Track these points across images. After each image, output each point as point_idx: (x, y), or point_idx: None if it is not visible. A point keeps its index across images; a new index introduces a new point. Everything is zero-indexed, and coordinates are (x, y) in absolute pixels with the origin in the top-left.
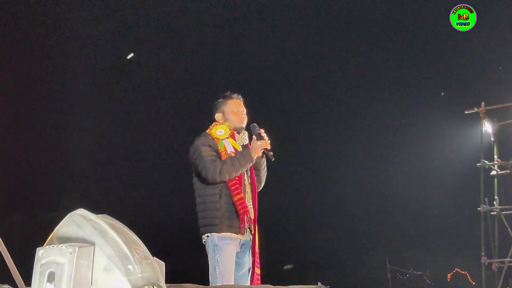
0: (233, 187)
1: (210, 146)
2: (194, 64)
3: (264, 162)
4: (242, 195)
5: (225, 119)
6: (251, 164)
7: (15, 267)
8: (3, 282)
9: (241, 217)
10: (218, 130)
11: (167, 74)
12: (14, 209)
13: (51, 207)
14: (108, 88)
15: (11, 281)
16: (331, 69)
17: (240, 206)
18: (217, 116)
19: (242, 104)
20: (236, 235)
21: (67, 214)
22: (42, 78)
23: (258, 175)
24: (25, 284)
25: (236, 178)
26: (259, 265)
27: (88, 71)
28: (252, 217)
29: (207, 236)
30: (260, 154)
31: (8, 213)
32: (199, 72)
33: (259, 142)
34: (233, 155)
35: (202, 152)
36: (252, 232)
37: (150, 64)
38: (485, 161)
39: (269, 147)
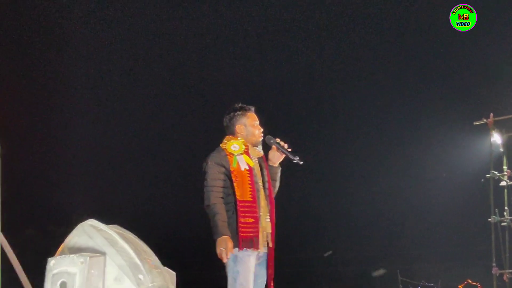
0: (242, 209)
1: (222, 165)
2: (204, 70)
3: (279, 172)
4: (249, 219)
5: (247, 132)
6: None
7: (27, 280)
8: None
9: (240, 239)
10: (233, 146)
11: (180, 83)
12: (27, 224)
13: (63, 222)
14: (118, 98)
15: None
16: (339, 78)
17: (242, 229)
18: (238, 128)
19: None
20: (253, 249)
21: None
22: (51, 91)
23: (273, 186)
24: None
25: (250, 196)
26: (273, 278)
27: (97, 79)
28: (270, 231)
29: None
30: (277, 164)
31: (21, 228)
32: (211, 79)
33: (276, 153)
34: (247, 172)
35: (208, 174)
36: (270, 246)
37: (160, 71)
38: (494, 172)
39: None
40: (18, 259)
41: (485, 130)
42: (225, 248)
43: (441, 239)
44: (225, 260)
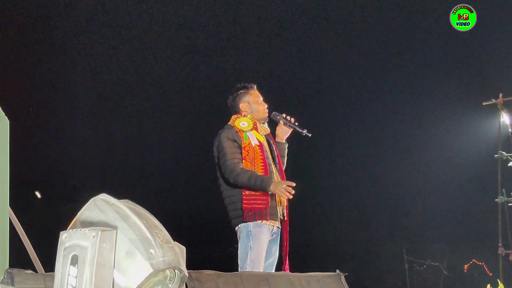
0: None
1: (234, 140)
2: (208, 60)
3: (286, 148)
4: (251, 191)
5: (251, 109)
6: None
7: (35, 255)
8: (26, 268)
9: (244, 211)
10: (241, 123)
11: (177, 70)
12: (35, 201)
13: (71, 199)
14: (124, 84)
15: (33, 267)
16: (346, 58)
17: (245, 201)
18: (242, 106)
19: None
20: (269, 222)
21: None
22: (60, 68)
23: (282, 162)
24: (48, 269)
25: (262, 170)
26: (287, 253)
27: (103, 66)
28: (285, 204)
29: (240, 226)
30: (284, 140)
31: (29, 205)
32: (208, 68)
33: (283, 128)
34: (257, 147)
35: (225, 148)
36: (284, 220)
37: (162, 58)
38: (502, 152)
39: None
40: (26, 234)
41: (494, 110)
42: (284, 185)
43: (448, 219)
44: (290, 197)
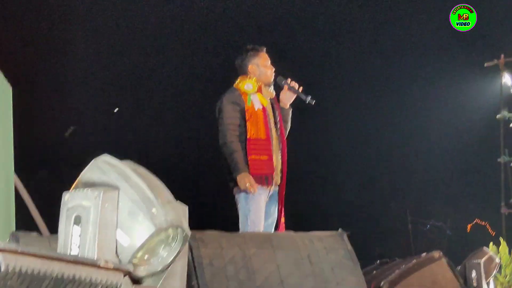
0: (254, 147)
1: (236, 103)
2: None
3: (290, 113)
4: (263, 157)
5: (259, 72)
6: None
7: (40, 218)
8: (32, 231)
9: (251, 174)
10: (246, 85)
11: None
12: (41, 166)
13: (77, 164)
14: (124, 65)
15: (39, 231)
16: (345, 25)
17: (254, 167)
18: (251, 67)
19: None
20: (266, 186)
21: None
22: (66, 36)
23: (285, 127)
24: (53, 232)
25: (264, 134)
26: (283, 214)
27: (98, 45)
28: (280, 167)
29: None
30: (288, 105)
31: (35, 170)
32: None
33: (287, 93)
34: (260, 111)
35: (225, 112)
36: (280, 183)
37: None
38: (505, 112)
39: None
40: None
41: (496, 71)
42: (249, 182)
43: (451, 179)
44: (254, 192)
